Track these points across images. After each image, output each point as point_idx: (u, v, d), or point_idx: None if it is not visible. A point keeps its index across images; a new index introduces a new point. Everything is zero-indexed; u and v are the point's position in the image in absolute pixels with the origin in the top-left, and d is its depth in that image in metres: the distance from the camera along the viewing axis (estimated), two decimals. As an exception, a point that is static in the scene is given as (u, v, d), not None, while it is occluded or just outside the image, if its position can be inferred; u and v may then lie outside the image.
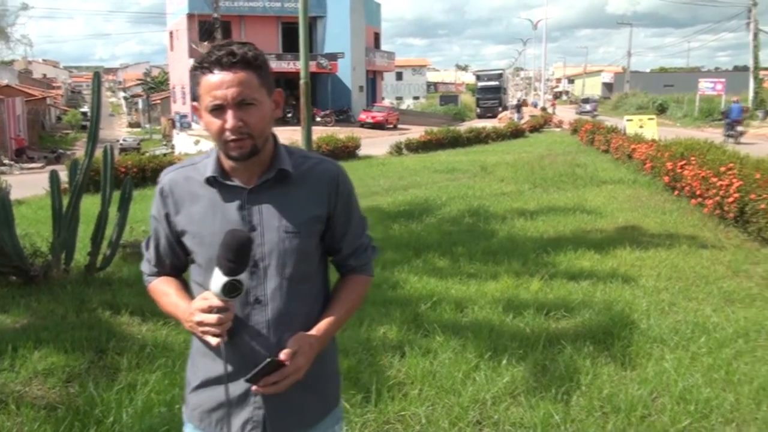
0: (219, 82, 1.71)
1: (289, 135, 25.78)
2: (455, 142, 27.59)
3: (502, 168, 17.57)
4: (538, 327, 5.25)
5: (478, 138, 29.41)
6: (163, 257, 1.98)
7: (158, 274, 2.00)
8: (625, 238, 8.54)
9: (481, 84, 67.91)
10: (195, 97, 1.79)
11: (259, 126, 1.75)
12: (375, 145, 27.08)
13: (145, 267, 2.03)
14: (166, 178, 1.91)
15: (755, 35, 49.85)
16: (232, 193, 1.82)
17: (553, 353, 4.72)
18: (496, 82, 66.67)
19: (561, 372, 4.37)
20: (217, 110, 1.73)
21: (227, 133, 1.72)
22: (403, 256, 7.69)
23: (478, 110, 65.23)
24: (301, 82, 10.79)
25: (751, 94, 50.37)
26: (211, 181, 1.83)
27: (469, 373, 4.36)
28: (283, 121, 38.82)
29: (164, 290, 1.95)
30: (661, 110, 62.53)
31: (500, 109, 62.25)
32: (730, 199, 8.84)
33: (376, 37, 55.56)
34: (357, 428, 3.73)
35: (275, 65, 40.25)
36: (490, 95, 65.23)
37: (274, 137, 1.87)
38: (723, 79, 58.18)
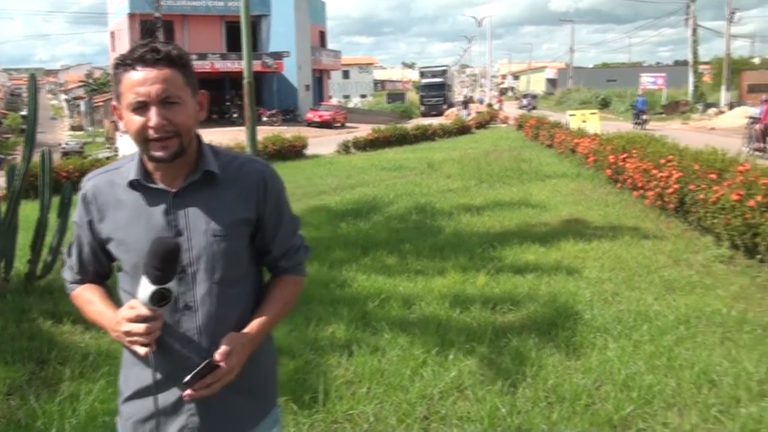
0: (142, 79, 1.67)
1: (234, 135, 25.54)
2: (402, 139, 27.69)
3: (449, 164, 17.69)
4: (484, 321, 5.31)
5: (425, 135, 29.56)
6: (86, 264, 1.92)
7: (81, 282, 1.94)
8: (569, 230, 8.69)
9: (424, 81, 65.07)
10: (117, 97, 1.74)
11: (186, 124, 1.71)
12: (323, 144, 27.01)
13: (68, 274, 1.96)
14: (89, 183, 1.85)
15: (694, 31, 51.19)
16: (157, 196, 1.77)
17: (500, 346, 4.77)
18: (441, 79, 64.08)
19: (507, 364, 4.42)
20: (140, 108, 1.67)
21: (150, 132, 1.67)
22: (351, 255, 7.67)
23: (422, 108, 62.37)
24: (245, 81, 10.69)
25: (690, 88, 51.70)
26: (134, 185, 1.77)
27: (416, 369, 4.38)
28: (229, 122, 38.43)
29: (88, 298, 1.90)
30: (604, 105, 63.82)
31: (445, 107, 60.33)
32: (670, 190, 9.06)
33: (322, 36, 55.35)
34: (305, 429, 3.72)
35: (220, 65, 39.81)
36: (435, 92, 62.63)
37: (199, 138, 1.83)
38: (664, 74, 59.81)
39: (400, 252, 7.82)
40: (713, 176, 8.09)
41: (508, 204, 10.87)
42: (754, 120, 21.14)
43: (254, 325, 1.81)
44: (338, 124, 42.73)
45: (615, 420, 3.74)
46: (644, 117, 33.26)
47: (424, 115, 58.12)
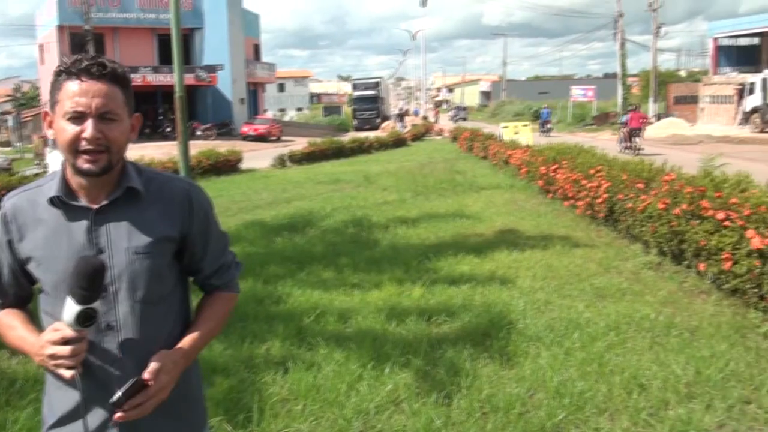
0: (84, 90, 1.65)
1: (168, 150, 25.10)
2: (339, 152, 27.69)
3: (385, 177, 17.77)
4: (420, 333, 5.32)
5: (362, 148, 29.65)
6: (6, 288, 1.86)
7: (1, 307, 1.88)
8: (502, 241, 8.81)
9: (357, 93, 62.58)
10: (52, 104, 1.70)
11: (119, 142, 1.69)
12: (258, 157, 26.76)
13: None
14: (8, 203, 1.80)
15: (622, 45, 52.76)
16: (79, 214, 1.74)
17: (435, 358, 4.80)
18: (374, 92, 61.53)
19: (442, 376, 4.45)
20: (77, 118, 1.66)
21: (83, 143, 1.65)
22: (286, 270, 7.61)
23: (355, 122, 60.21)
24: (176, 96, 10.50)
25: (619, 100, 53.21)
26: (55, 202, 1.73)
27: (352, 384, 4.36)
28: (162, 136, 37.76)
29: (9, 323, 1.83)
30: (537, 117, 65.18)
31: (379, 120, 58.51)
32: (600, 200, 9.29)
33: (256, 49, 55.04)
34: (239, 449, 3.65)
35: (152, 78, 39.12)
36: (368, 106, 60.23)
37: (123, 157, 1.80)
38: (593, 86, 61.51)
39: (337, 266, 7.79)
40: (641, 186, 8.33)
41: (443, 215, 10.97)
42: (623, 125, 26.76)
43: (185, 342, 1.78)
44: (274, 138, 42.51)
45: (548, 427, 3.80)
46: (548, 126, 38.71)
47: (358, 129, 55.61)
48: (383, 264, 7.74)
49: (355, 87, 65.23)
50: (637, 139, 25.61)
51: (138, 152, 24.16)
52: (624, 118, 27.29)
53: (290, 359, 4.81)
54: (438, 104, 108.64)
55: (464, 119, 68.63)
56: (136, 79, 38.34)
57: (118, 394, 1.61)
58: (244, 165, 23.18)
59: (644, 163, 9.10)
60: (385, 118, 60.70)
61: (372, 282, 6.98)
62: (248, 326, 5.58)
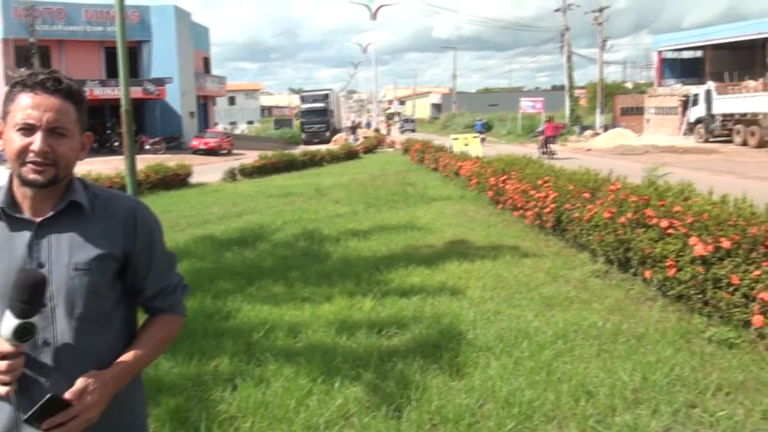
0: (37, 103, 1.65)
1: (116, 165, 24.69)
2: (290, 165, 27.64)
3: (337, 190, 17.76)
4: (370, 346, 5.30)
5: (313, 161, 29.64)
6: None
7: None
8: (453, 252, 8.86)
9: (305, 106, 60.47)
10: (4, 114, 1.69)
11: (67, 157, 1.68)
12: (209, 171, 26.54)
13: None
14: None
15: (569, 57, 53.84)
16: (22, 226, 1.71)
17: (385, 371, 4.78)
18: (322, 104, 59.70)
19: (392, 389, 4.43)
20: (27, 130, 1.65)
21: (31, 155, 1.63)
22: (236, 285, 7.51)
23: (304, 136, 58.18)
24: (122, 109, 10.33)
25: (567, 112, 54.19)
26: None
27: (302, 400, 4.31)
28: (110, 150, 37.11)
29: None
30: (487, 128, 65.93)
31: (328, 134, 56.85)
32: (548, 210, 9.42)
33: (206, 62, 54.64)
34: (184, 469, 3.57)
35: (99, 92, 38.45)
36: (316, 118, 58.54)
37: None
38: (542, 98, 62.51)
39: (287, 280, 7.72)
40: (587, 195, 8.47)
41: (394, 227, 10.99)
42: (541, 133, 31.70)
43: (118, 365, 1.74)
44: (224, 151, 42.23)
45: (497, 438, 3.81)
46: (482, 137, 39.47)
47: (306, 143, 53.78)
48: (334, 277, 7.70)
49: (303, 99, 63.21)
50: (551, 146, 30.48)
51: (85, 167, 23.64)
52: (541, 128, 33.00)
53: (239, 376, 4.74)
54: (390, 116, 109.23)
55: (412, 131, 69.85)
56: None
57: (30, 412, 1.56)
58: (194, 179, 23.00)
59: (590, 174, 9.26)
60: (335, 132, 59.70)
61: (323, 295, 6.93)
62: (196, 343, 5.49)
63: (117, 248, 1.76)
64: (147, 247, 1.83)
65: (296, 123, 79.24)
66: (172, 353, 5.12)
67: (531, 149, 35.03)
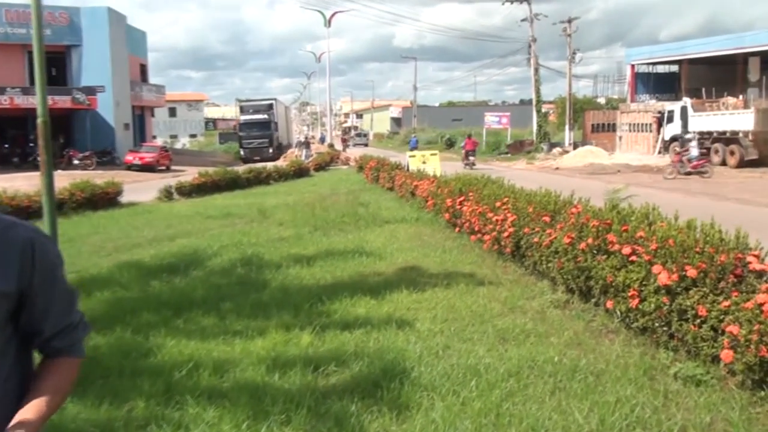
0: None
1: (38, 181, 24.12)
2: (233, 183, 27.47)
3: (282, 211, 17.69)
4: (305, 385, 5.20)
5: (259, 179, 29.51)
6: None
7: None
8: (403, 280, 8.81)
9: (245, 118, 57.58)
10: None
11: None
12: (144, 189, 26.19)
13: None
14: None
15: (536, 70, 54.70)
16: None
17: (320, 413, 4.68)
18: (265, 116, 56.73)
19: (325, 434, 4.34)
20: None
21: None
22: (161, 318, 7.34)
23: (243, 152, 55.06)
24: (39, 120, 10.07)
25: (534, 127, 54.84)
26: None
27: (223, 447, 4.19)
28: (33, 165, 36.36)
29: None
30: (450, 144, 66.57)
31: (272, 150, 54.47)
32: (506, 234, 9.44)
33: (143, 69, 54.19)
34: None
35: (21, 100, 37.63)
36: (258, 132, 55.39)
37: None
38: (508, 113, 63.37)
39: (219, 311, 7.58)
40: (546, 219, 8.52)
41: (342, 253, 10.93)
42: (463, 147, 40.33)
43: (24, 424, 1.62)
44: (163, 168, 41.84)
45: (437, 489, 3.74)
46: (413, 154, 47.18)
47: (246, 161, 49.77)
48: (271, 308, 7.59)
49: (242, 110, 60.10)
50: (471, 158, 37.61)
51: (5, 183, 23.17)
52: (463, 143, 42.12)
53: (154, 421, 4.60)
54: (346, 131, 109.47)
55: (365, 145, 71.00)
56: (3, 101, 36.96)
57: None
58: (126, 198, 22.68)
59: (551, 195, 9.32)
60: (281, 148, 58.19)
61: (256, 329, 6.81)
62: (109, 383, 5.33)
63: (10, 284, 1.67)
64: (46, 283, 1.74)
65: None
66: (79, 396, 4.95)
67: (496, 167, 35.41)
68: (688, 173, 27.81)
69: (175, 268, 10.17)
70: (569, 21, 51.64)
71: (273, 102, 61.11)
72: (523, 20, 53.94)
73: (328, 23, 63.54)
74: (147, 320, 7.25)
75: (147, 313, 7.50)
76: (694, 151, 28.89)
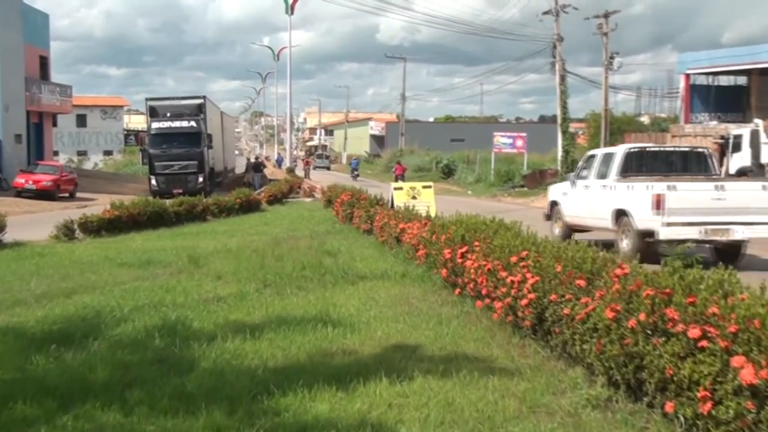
0: None
1: None
2: (158, 219, 27.44)
3: (221, 259, 17.60)
4: None
5: (192, 213, 29.44)
6: None
7: None
8: (383, 363, 8.58)
9: (158, 126, 49.24)
10: None
11: None
12: (37, 224, 26.27)
13: None
14: None
15: (562, 78, 54.80)
16: None
17: None
18: (191, 123, 48.90)
19: None
20: None
21: None
22: (41, 411, 7.01)
23: (154, 181, 47.50)
24: None
25: (559, 153, 54.62)
26: None
27: None
28: None
29: None
30: (448, 173, 66.94)
31: (200, 179, 47.61)
32: (525, 301, 9.20)
33: (44, 63, 54.43)
34: None
35: None
36: (180, 149, 47.65)
37: None
38: (524, 133, 63.35)
39: (125, 403, 7.28)
40: (581, 283, 8.28)
41: (299, 321, 10.70)
42: (394, 171, 56.56)
43: None
44: (65, 194, 41.69)
45: None
46: (356, 173, 54.17)
47: (158, 194, 42.42)
48: (198, 401, 7.29)
49: (154, 113, 51.20)
50: (401, 182, 43.05)
51: None
52: (394, 168, 58.19)
53: None
54: (310, 151, 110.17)
55: (327, 168, 73.77)
56: None
57: None
58: (11, 235, 22.55)
59: (586, 250, 9.09)
60: (217, 175, 53.53)
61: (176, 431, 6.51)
62: None
63: None
64: None
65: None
66: None
67: (509, 205, 35.30)
68: None
69: (68, 338, 9.91)
70: (606, 16, 52.16)
71: (203, 102, 52.16)
72: (545, 13, 54.44)
73: (290, 10, 64.09)
74: (21, 415, 6.93)
75: (22, 404, 7.16)
76: None
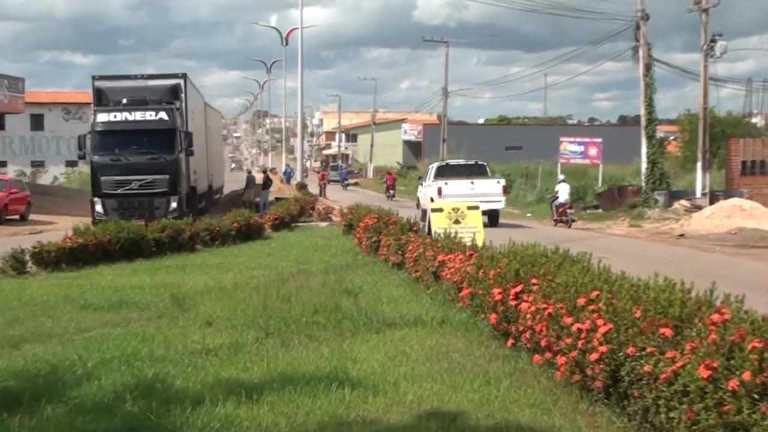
0: None
1: None
2: (135, 249, 27.61)
3: (213, 299, 17.69)
4: None
5: (178, 242, 29.42)
6: None
7: None
8: (415, 436, 8.57)
9: (106, 119, 40.34)
10: None
11: None
12: (-22, 254, 26.20)
13: None
14: None
15: (647, 68, 54.42)
16: None
17: None
18: (162, 115, 40.04)
19: None
20: None
21: None
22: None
23: (100, 207, 38.48)
24: None
25: (643, 164, 54.09)
26: None
27: None
28: None
29: None
30: (504, 190, 66.67)
31: (174, 204, 38.98)
32: (595, 355, 9.15)
33: (-10, 52, 54.55)
34: None
35: None
36: (145, 155, 39.52)
37: None
38: (599, 139, 62.82)
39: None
40: (667, 332, 8.25)
41: (309, 379, 10.72)
42: (385, 182, 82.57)
43: None
44: (15, 216, 41.95)
45: None
46: (347, 182, 59.09)
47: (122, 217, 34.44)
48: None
49: (101, 98, 42.46)
50: (391, 191, 70.26)
51: None
52: (385, 178, 79.45)
53: None
54: (326, 162, 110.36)
55: (349, 184, 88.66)
56: None
57: None
58: (-53, 269, 22.64)
59: (674, 289, 9.07)
60: (199, 198, 47.84)
61: None
62: None
63: None
64: None
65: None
66: None
67: (579, 231, 35.05)
68: None
69: (14, 400, 9.99)
70: (706, -13, 51.86)
71: (179, 83, 44.40)
72: (627, -17, 54.19)
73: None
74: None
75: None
76: None
